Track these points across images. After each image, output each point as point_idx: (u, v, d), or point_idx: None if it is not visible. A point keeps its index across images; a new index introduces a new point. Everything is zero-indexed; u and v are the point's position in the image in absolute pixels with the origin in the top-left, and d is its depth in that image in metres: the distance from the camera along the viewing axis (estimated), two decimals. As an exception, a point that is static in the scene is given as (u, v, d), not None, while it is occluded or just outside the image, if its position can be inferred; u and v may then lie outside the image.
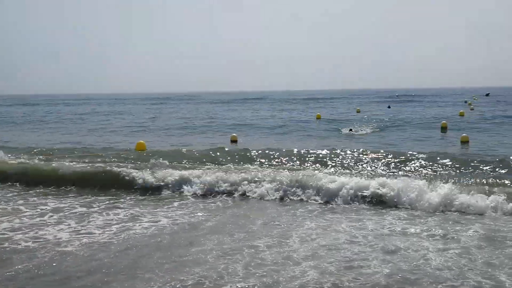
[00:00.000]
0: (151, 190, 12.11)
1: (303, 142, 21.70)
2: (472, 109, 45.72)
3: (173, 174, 12.53)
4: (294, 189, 11.31)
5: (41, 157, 15.63)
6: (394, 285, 5.94)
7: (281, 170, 12.70)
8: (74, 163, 14.26)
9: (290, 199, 11.08)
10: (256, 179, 11.84)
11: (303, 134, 26.70)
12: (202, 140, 24.05)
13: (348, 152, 15.45)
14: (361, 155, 14.97)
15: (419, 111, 47.42)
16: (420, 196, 10.02)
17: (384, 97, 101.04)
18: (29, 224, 9.06)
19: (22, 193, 12.07)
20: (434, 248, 7.27)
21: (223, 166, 13.69)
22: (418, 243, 7.52)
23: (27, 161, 14.62)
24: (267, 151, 16.01)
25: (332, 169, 13.19)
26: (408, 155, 14.78)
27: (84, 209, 10.32)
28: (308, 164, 14.18)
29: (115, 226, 8.91)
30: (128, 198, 11.51)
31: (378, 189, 10.55)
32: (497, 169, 12.76)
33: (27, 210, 10.19)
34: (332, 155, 15.09)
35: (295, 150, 16.07)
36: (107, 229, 8.71)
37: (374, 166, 13.67)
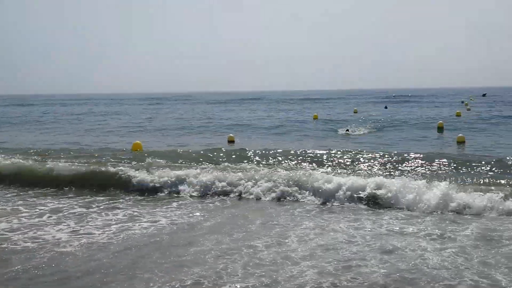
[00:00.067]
0: (149, 191, 12.11)
1: (300, 143, 21.76)
2: (468, 110, 45.88)
3: (171, 175, 12.53)
4: (292, 189, 11.33)
5: (36, 157, 15.55)
6: (392, 284, 5.98)
7: (278, 170, 12.72)
8: (70, 163, 14.19)
9: (288, 199, 11.11)
10: (253, 179, 11.86)
11: (300, 134, 26.75)
12: (199, 140, 24.07)
13: (345, 152, 15.51)
14: (357, 156, 15.00)
15: (416, 111, 47.57)
16: (417, 198, 10.03)
17: (381, 97, 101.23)
18: (28, 224, 9.06)
19: (21, 193, 12.06)
20: (431, 247, 7.32)
21: (221, 166, 13.71)
22: (416, 243, 7.57)
23: (22, 161, 14.55)
24: (264, 152, 16.05)
25: (329, 169, 13.20)
26: (405, 155, 14.83)
27: (83, 209, 10.34)
28: (305, 164, 14.21)
29: (114, 226, 8.93)
30: (127, 198, 11.53)
31: (376, 190, 10.58)
32: (493, 169, 12.83)
33: (26, 210, 10.20)
34: (329, 156, 15.12)
35: (292, 150, 16.13)
36: (106, 229, 8.73)
37: (370, 166, 13.70)
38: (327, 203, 10.63)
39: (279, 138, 24.78)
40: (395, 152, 15.84)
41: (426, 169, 13.18)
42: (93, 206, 10.67)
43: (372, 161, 14.30)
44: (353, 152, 15.48)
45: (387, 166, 13.69)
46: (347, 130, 27.08)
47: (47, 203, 10.93)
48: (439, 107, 55.54)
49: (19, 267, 6.75)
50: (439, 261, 6.72)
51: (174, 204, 10.85)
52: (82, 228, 8.82)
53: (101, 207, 10.54)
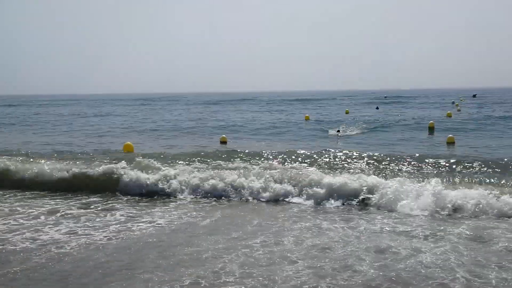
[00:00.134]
0: (146, 191, 12.17)
1: (291, 143, 21.81)
2: (459, 110, 46.16)
3: (166, 175, 12.58)
4: (287, 189, 11.46)
5: (21, 158, 15.51)
6: (387, 283, 6.11)
7: (271, 170, 12.78)
8: (63, 164, 14.19)
9: (283, 199, 11.22)
10: (248, 179, 11.94)
11: (291, 135, 26.81)
12: (191, 141, 24.05)
13: (334, 152, 15.62)
14: (347, 156, 15.09)
15: (407, 112, 47.78)
16: (410, 200, 10.18)
17: (374, 98, 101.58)
18: (26, 225, 9.10)
19: (18, 194, 12.11)
20: (425, 246, 7.49)
21: (214, 167, 13.74)
22: (409, 242, 7.73)
23: (8, 162, 14.52)
24: (256, 152, 16.17)
25: (320, 170, 13.27)
26: (395, 155, 14.96)
27: (80, 210, 10.41)
28: (296, 165, 14.26)
29: (112, 226, 9.00)
30: (124, 199, 11.62)
31: (369, 192, 10.76)
32: (483, 170, 12.97)
33: (24, 211, 10.25)
34: (319, 156, 15.21)
35: (283, 151, 16.29)
36: (104, 229, 8.79)
37: (360, 167, 13.78)
38: (322, 204, 10.75)
39: (271, 138, 24.81)
40: (385, 152, 15.98)
41: (416, 170, 13.29)
42: (91, 207, 10.75)
43: (362, 162, 14.38)
44: (343, 153, 15.58)
45: (376, 167, 13.76)
46: (338, 130, 27.13)
47: (45, 203, 10.99)
48: (430, 108, 55.84)
49: (17, 268, 6.79)
50: (433, 260, 6.88)
51: (171, 205, 10.97)
52: (80, 228, 8.87)
53: (99, 208, 10.62)
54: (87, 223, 9.25)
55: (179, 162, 14.84)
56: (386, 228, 8.63)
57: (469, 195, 9.98)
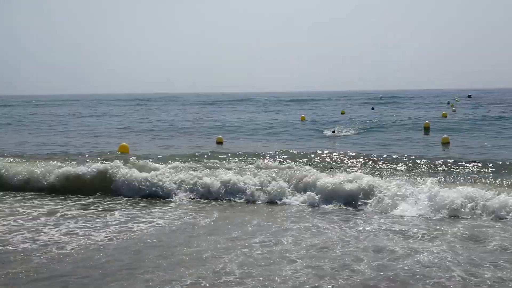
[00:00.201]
0: (144, 192, 12.22)
1: (287, 144, 21.86)
2: (454, 111, 46.35)
3: (164, 176, 12.61)
4: (284, 190, 11.58)
5: (17, 159, 15.50)
6: (385, 282, 6.21)
7: (267, 170, 12.84)
8: (62, 164, 14.21)
9: (282, 200, 11.32)
10: (245, 180, 12.00)
11: (287, 135, 26.86)
12: (188, 141, 24.07)
13: (330, 153, 15.72)
14: (343, 157, 15.19)
15: (403, 112, 47.92)
16: (407, 201, 10.32)
17: (369, 98, 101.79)
18: (27, 226, 9.17)
19: (18, 195, 12.19)
20: (422, 246, 7.60)
21: (211, 167, 13.77)
22: (406, 242, 7.85)
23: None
24: (252, 152, 16.24)
25: (317, 170, 13.35)
26: (390, 156, 15.06)
27: (80, 211, 10.48)
28: (293, 165, 14.31)
29: (112, 227, 9.08)
30: (124, 200, 11.72)
31: (366, 193, 10.85)
32: (477, 170, 13.07)
33: (24, 211, 10.32)
34: (315, 156, 15.30)
35: (279, 151, 16.38)
36: (104, 230, 8.87)
37: (356, 167, 13.86)
38: (320, 204, 10.86)
39: (267, 139, 24.86)
40: (380, 152, 16.08)
41: (411, 170, 13.38)
42: (90, 207, 10.84)
43: (357, 161, 14.49)
44: (339, 153, 15.68)
45: (371, 167, 13.86)
46: (333, 131, 27.18)
47: (44, 205, 11.06)
48: (425, 108, 56.03)
49: (18, 268, 6.83)
50: (429, 259, 7.00)
51: (171, 205, 11.09)
52: (80, 229, 8.95)
53: (99, 209, 10.72)
54: (87, 224, 9.32)
55: (176, 163, 14.87)
56: (383, 228, 8.74)
57: (464, 195, 10.08)
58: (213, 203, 11.30)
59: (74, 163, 14.80)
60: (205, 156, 15.99)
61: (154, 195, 12.02)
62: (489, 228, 8.70)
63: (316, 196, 11.09)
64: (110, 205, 11.09)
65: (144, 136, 27.83)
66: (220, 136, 23.24)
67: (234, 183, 11.92)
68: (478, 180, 11.57)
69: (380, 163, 14.23)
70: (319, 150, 16.33)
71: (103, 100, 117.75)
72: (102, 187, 12.54)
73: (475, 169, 13.19)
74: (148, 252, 7.54)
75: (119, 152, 17.31)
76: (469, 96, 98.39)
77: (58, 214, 10.09)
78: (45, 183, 12.99)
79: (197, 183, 12.13)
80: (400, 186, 10.82)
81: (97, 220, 9.66)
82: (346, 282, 6.22)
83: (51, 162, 14.50)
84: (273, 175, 12.28)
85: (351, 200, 10.82)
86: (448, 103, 66.09)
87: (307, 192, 11.31)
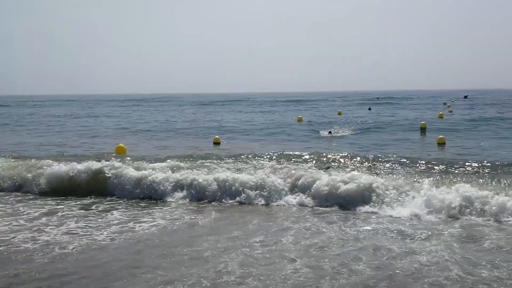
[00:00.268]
0: (146, 192, 12.25)
1: (284, 144, 21.95)
2: (450, 111, 46.55)
3: (165, 177, 12.62)
4: (282, 190, 11.66)
5: (16, 160, 15.51)
6: (385, 281, 6.30)
7: (265, 171, 12.88)
8: (61, 165, 14.23)
9: (280, 200, 11.39)
10: (243, 180, 12.04)
11: (284, 136, 26.94)
12: (185, 142, 24.12)
13: (326, 153, 15.78)
14: (339, 157, 15.25)
15: (399, 113, 48.09)
16: (404, 202, 10.44)
17: (366, 99, 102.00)
18: (28, 225, 9.22)
19: (19, 195, 12.26)
20: (420, 246, 7.72)
21: (210, 168, 13.80)
22: (404, 242, 7.96)
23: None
24: (249, 153, 16.30)
25: (313, 170, 13.41)
26: (386, 156, 15.13)
27: (82, 211, 10.55)
28: (290, 165, 14.35)
29: (114, 227, 9.15)
30: (124, 200, 11.78)
31: (364, 194, 10.92)
32: (473, 170, 13.15)
33: (25, 211, 10.39)
34: (312, 157, 15.34)
35: (276, 151, 16.51)
36: (106, 230, 8.94)
37: (353, 168, 13.93)
38: (318, 204, 10.96)
39: (264, 139, 24.93)
40: (377, 153, 16.16)
41: (408, 171, 13.44)
42: (91, 207, 10.91)
43: (354, 162, 14.55)
44: (335, 153, 15.74)
45: (368, 167, 13.92)
46: (330, 132, 27.25)
47: (45, 205, 11.11)
48: (422, 109, 56.24)
49: (20, 268, 6.87)
50: (428, 258, 7.11)
51: (171, 205, 11.16)
52: (81, 229, 9.01)
53: (99, 209, 10.78)
54: (88, 224, 9.38)
55: (173, 163, 14.90)
56: (382, 228, 8.85)
57: (460, 195, 10.18)
58: (212, 203, 11.38)
59: (72, 163, 14.82)
60: (202, 156, 16.00)
61: (153, 196, 12.05)
62: (485, 227, 8.84)
63: (315, 196, 11.18)
64: (111, 205, 11.17)
65: (141, 136, 27.87)
66: (217, 136, 23.29)
67: (232, 184, 11.97)
68: (474, 180, 11.65)
69: (377, 163, 14.29)
70: (316, 151, 16.40)
71: (102, 101, 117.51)
72: (99, 188, 12.56)
73: (471, 169, 13.27)
74: (149, 251, 7.62)
75: (115, 154, 17.30)
76: (466, 97, 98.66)
77: (59, 214, 10.16)
78: (45, 183, 12.96)
79: (195, 184, 12.15)
80: (398, 187, 10.94)
81: (98, 220, 9.72)
82: (346, 281, 6.31)
83: (48, 162, 14.49)
84: (271, 175, 12.33)
85: (349, 200, 10.90)
86: (445, 103, 66.36)
87: (306, 192, 11.40)
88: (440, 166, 13.79)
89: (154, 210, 10.59)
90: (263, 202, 11.34)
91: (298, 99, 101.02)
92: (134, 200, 11.74)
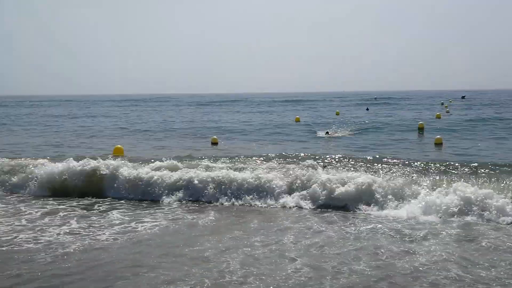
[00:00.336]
0: (144, 193, 12.30)
1: (281, 144, 21.99)
2: (448, 112, 46.67)
3: (165, 178, 12.64)
4: (282, 190, 11.71)
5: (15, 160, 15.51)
6: (384, 281, 6.38)
7: (264, 171, 12.93)
8: (60, 165, 14.24)
9: (279, 200, 11.44)
10: (243, 180, 12.09)
11: (282, 136, 26.97)
12: (183, 142, 24.15)
13: (324, 154, 15.81)
14: (337, 158, 15.30)
15: (397, 113, 48.17)
16: (403, 203, 10.55)
17: (364, 99, 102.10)
18: (30, 225, 9.27)
19: (21, 196, 12.33)
20: (419, 246, 7.81)
21: (207, 168, 13.83)
22: (404, 242, 8.06)
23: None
24: (247, 153, 16.37)
25: (314, 170, 13.45)
26: (384, 157, 15.17)
27: (84, 211, 10.62)
28: (289, 166, 14.40)
29: (116, 226, 9.23)
30: (126, 200, 11.85)
31: (363, 194, 10.99)
32: (470, 171, 13.18)
33: (27, 211, 10.45)
34: (309, 157, 15.36)
35: (274, 151, 16.59)
36: (108, 229, 9.01)
37: (350, 168, 13.96)
38: (318, 204, 11.04)
39: (261, 139, 24.96)
40: (374, 153, 16.19)
41: (405, 171, 13.48)
42: (93, 207, 11.00)
43: (351, 162, 14.57)
44: (333, 154, 15.78)
45: (366, 167, 13.96)
46: (327, 132, 27.25)
47: (47, 205, 11.18)
48: (420, 109, 56.35)
49: (22, 268, 6.91)
50: (427, 258, 7.20)
51: (173, 205, 11.26)
52: (83, 229, 9.07)
53: (101, 209, 10.87)
54: (90, 224, 9.45)
55: (171, 163, 14.91)
56: (381, 228, 8.94)
57: (458, 195, 10.26)
58: (212, 203, 11.47)
59: (70, 164, 14.83)
60: (200, 157, 16.02)
61: (153, 196, 12.09)
62: (483, 227, 8.96)
63: (315, 196, 11.24)
64: (113, 205, 11.26)
65: (139, 136, 27.87)
66: (215, 137, 23.32)
67: (231, 184, 12.02)
68: (472, 180, 11.71)
69: (375, 164, 14.33)
70: (314, 151, 16.43)
71: (102, 101, 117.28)
72: (98, 189, 12.60)
73: (468, 169, 13.32)
74: (152, 251, 7.68)
75: (113, 155, 17.30)
76: (463, 97, 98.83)
77: (61, 214, 10.23)
78: (45, 184, 12.98)
79: (194, 184, 12.19)
80: (396, 187, 11.02)
81: (100, 220, 9.80)
82: (347, 280, 6.38)
83: (47, 162, 14.52)
84: (270, 175, 12.37)
85: (349, 200, 10.96)
86: (442, 104, 66.51)
87: (305, 192, 11.44)
88: (438, 166, 13.84)
89: (155, 210, 10.67)
90: (262, 202, 11.39)
91: (296, 99, 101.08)
92: (135, 201, 11.83)
